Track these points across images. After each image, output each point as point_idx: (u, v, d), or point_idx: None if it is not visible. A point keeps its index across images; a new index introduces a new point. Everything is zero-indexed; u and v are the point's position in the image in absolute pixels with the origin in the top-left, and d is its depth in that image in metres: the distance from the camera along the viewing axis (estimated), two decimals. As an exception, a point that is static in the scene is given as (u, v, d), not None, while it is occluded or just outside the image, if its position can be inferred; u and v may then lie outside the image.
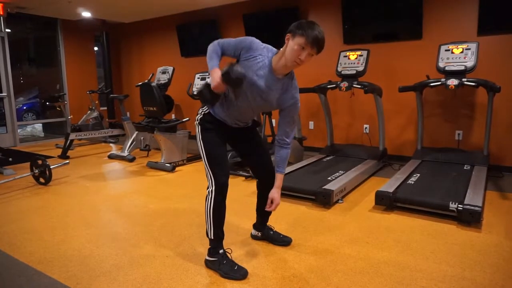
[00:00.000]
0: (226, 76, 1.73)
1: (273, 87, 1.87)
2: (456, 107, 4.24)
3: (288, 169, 3.77)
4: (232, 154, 4.05)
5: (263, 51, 1.84)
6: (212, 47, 1.89)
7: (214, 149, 1.98)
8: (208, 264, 2.07)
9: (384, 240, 2.40)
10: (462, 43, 3.66)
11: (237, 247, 2.30)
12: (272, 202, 2.04)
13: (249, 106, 1.95)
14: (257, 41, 1.87)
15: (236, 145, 2.22)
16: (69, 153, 5.37)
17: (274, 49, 1.88)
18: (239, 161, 4.08)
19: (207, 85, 1.83)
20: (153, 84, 4.37)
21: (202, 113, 2.01)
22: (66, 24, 6.94)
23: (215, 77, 1.77)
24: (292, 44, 1.75)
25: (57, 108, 6.79)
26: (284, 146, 2.02)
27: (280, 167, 2.03)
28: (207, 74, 5.04)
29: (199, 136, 2.01)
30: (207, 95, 1.85)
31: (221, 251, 2.03)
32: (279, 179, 2.04)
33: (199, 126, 2.01)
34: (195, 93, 5.04)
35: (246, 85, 1.83)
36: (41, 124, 8.34)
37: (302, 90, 4.48)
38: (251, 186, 3.61)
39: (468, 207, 2.56)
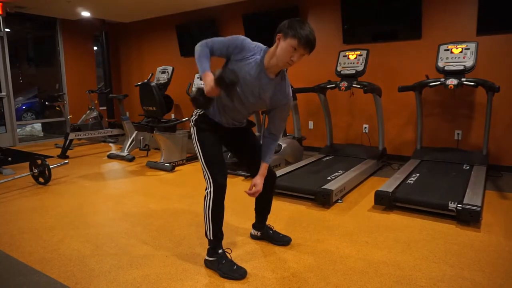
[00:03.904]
0: (220, 81, 1.72)
1: (266, 86, 1.89)
2: (455, 107, 4.25)
3: (288, 169, 3.78)
4: (230, 154, 4.05)
5: (255, 50, 1.84)
6: (200, 48, 1.84)
7: (211, 150, 1.98)
8: (207, 264, 2.07)
9: (383, 240, 2.40)
10: (461, 43, 3.66)
11: (236, 246, 2.30)
12: (254, 187, 2.03)
13: (243, 106, 1.95)
14: (248, 40, 1.85)
15: (232, 146, 2.21)
16: (69, 152, 5.37)
17: (264, 47, 1.87)
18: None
19: (200, 90, 1.82)
20: (153, 83, 4.37)
21: (197, 114, 2.01)
22: (65, 23, 6.93)
23: (208, 81, 1.76)
24: (284, 45, 1.75)
25: (57, 108, 6.79)
26: (274, 139, 2.07)
27: (267, 158, 2.06)
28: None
29: (195, 138, 2.00)
30: (200, 100, 1.85)
31: (220, 251, 2.03)
32: (264, 168, 2.05)
33: (194, 128, 2.00)
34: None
35: (240, 86, 1.83)
36: (40, 124, 8.34)
37: (302, 90, 4.50)
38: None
39: (467, 206, 2.56)
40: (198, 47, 1.85)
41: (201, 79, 1.85)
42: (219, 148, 2.04)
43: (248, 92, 1.89)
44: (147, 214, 2.96)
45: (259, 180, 2.03)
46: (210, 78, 1.76)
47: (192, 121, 2.01)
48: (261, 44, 1.88)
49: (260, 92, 1.89)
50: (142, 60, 7.44)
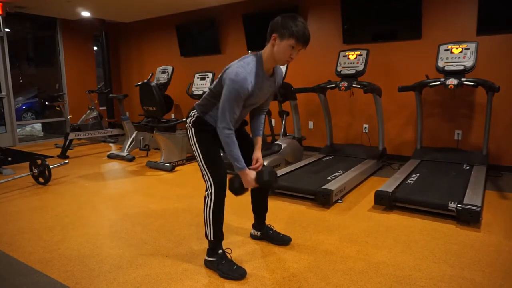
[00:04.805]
0: (266, 184, 1.97)
1: (269, 84, 1.98)
2: (455, 107, 4.25)
3: (288, 169, 3.78)
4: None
5: (251, 70, 1.82)
6: (229, 139, 1.84)
7: (210, 150, 1.98)
8: (207, 264, 2.07)
9: (383, 240, 2.40)
10: (461, 43, 3.66)
11: (236, 247, 2.30)
12: (257, 161, 2.07)
13: (252, 107, 2.04)
14: (241, 72, 1.78)
15: None
16: (69, 152, 5.37)
17: (256, 56, 1.87)
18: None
19: (240, 183, 1.98)
20: (153, 83, 4.37)
21: (194, 115, 2.00)
22: (65, 23, 6.93)
23: (248, 180, 1.94)
24: (282, 45, 1.79)
25: (57, 108, 6.79)
26: (264, 113, 2.17)
27: (260, 131, 2.15)
28: (207, 74, 5.06)
29: (193, 139, 2.00)
30: (238, 188, 2.01)
31: (220, 251, 2.03)
32: (259, 141, 2.13)
33: (192, 129, 1.99)
34: (194, 92, 5.04)
35: (253, 97, 1.91)
36: (40, 124, 8.33)
37: (302, 90, 4.50)
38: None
39: (467, 206, 2.56)
40: (225, 136, 1.84)
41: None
42: (217, 148, 2.03)
43: (260, 98, 1.98)
44: (147, 214, 2.96)
45: (259, 153, 2.09)
46: (249, 177, 1.94)
47: (190, 122, 2.00)
48: (250, 56, 1.87)
49: (267, 91, 1.99)
50: (142, 60, 7.44)
